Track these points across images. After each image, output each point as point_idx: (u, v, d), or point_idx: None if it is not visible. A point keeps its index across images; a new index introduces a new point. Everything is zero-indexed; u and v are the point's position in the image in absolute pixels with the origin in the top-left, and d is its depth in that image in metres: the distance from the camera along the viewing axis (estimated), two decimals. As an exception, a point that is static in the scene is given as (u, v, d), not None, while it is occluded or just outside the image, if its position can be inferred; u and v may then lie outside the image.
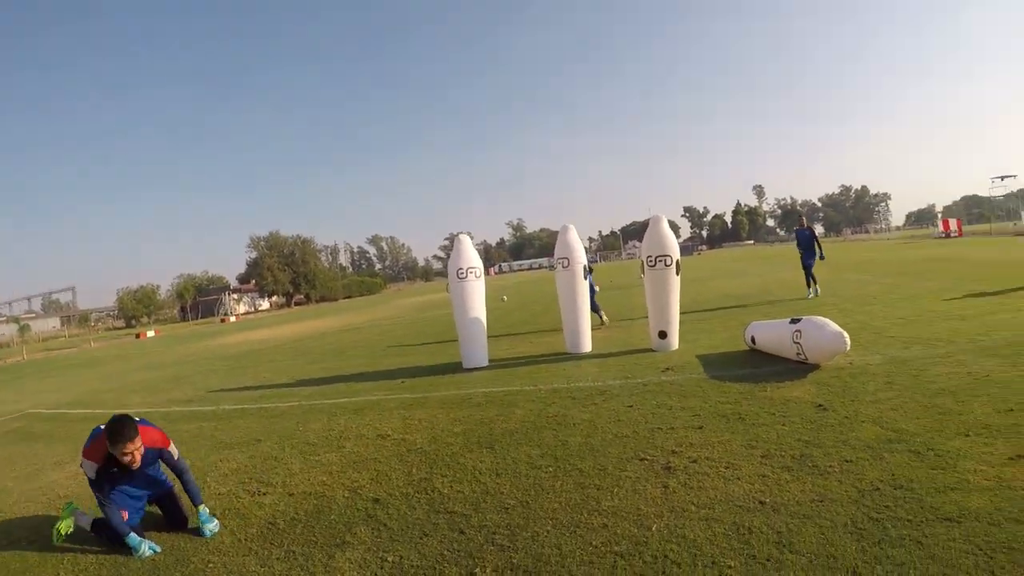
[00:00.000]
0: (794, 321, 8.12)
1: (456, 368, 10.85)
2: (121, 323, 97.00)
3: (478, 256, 11.13)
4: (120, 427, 4.60)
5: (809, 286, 16.44)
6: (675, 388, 7.44)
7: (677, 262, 10.28)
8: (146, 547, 4.67)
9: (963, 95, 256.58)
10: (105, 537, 4.91)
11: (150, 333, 60.29)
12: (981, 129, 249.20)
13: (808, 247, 16.88)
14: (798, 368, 7.80)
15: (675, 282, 10.32)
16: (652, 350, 10.42)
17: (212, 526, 4.85)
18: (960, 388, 6.20)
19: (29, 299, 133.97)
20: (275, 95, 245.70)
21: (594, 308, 15.08)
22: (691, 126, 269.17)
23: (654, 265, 10.29)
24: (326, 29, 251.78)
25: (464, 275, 10.74)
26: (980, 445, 4.61)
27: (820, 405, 6.07)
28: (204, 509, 4.94)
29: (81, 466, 4.86)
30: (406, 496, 4.91)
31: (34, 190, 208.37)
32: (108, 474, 4.78)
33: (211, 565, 4.29)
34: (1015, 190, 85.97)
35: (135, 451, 4.67)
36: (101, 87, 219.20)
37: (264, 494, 5.53)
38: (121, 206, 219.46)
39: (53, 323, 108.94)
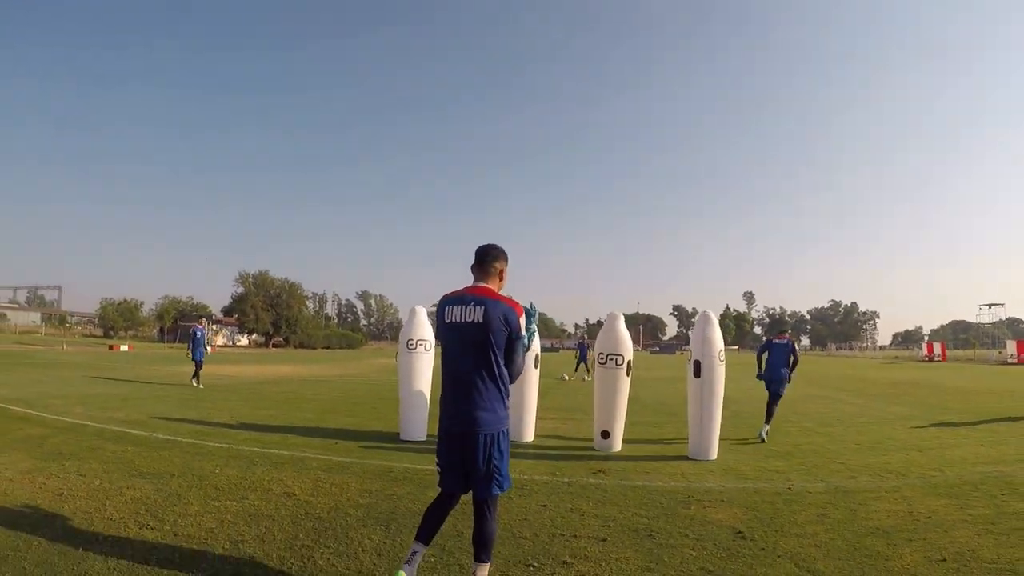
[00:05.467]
0: None
1: (393, 438, 10.63)
2: (100, 332, 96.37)
3: (431, 329, 10.97)
4: None
5: (768, 419, 11.87)
6: (597, 493, 7.19)
7: (629, 362, 10.14)
8: None
9: (961, 221, 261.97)
10: None
11: (123, 347, 60.16)
12: (973, 255, 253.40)
13: (780, 366, 12.11)
14: (734, 488, 7.59)
15: (624, 382, 10.18)
16: (593, 449, 10.22)
17: None
18: (896, 528, 5.99)
19: (15, 290, 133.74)
20: (294, 131, 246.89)
21: None
22: (689, 227, 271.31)
23: (605, 363, 10.15)
24: (343, 87, 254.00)
25: (414, 346, 10.61)
26: (899, 600, 4.32)
27: (740, 532, 5.78)
28: None
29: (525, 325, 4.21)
30: (281, 560, 4.70)
31: (43, 188, 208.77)
32: None
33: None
34: (1003, 318, 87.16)
35: None
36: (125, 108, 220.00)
37: (151, 528, 5.37)
38: (122, 218, 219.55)
39: (34, 318, 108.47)
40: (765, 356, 12.64)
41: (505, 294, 4.21)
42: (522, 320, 4.06)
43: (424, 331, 10.78)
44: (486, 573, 4.13)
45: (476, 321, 3.94)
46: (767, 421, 11.88)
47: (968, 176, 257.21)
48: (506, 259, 4.28)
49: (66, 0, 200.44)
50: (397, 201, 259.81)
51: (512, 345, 4.03)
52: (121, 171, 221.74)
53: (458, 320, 3.99)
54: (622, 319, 10.44)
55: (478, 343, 3.94)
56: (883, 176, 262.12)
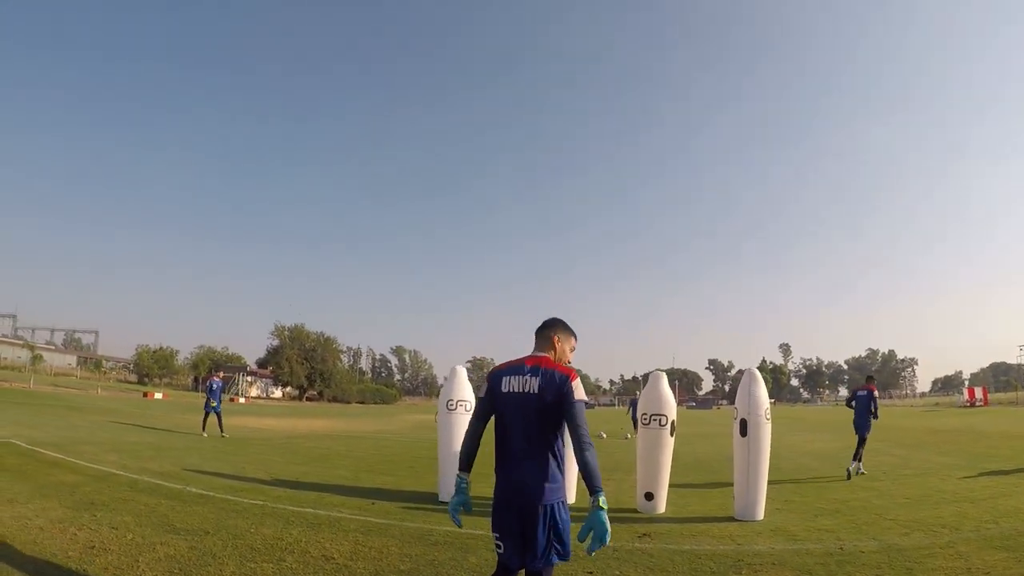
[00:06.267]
0: None
1: (432, 499, 10.36)
2: (134, 378, 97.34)
3: (471, 389, 10.77)
4: None
5: (857, 459, 14.04)
6: (644, 558, 6.90)
7: (672, 422, 9.91)
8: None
9: (995, 259, 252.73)
10: None
11: (158, 395, 60.65)
12: (1011, 295, 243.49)
13: (863, 413, 14.70)
14: (785, 549, 7.30)
15: (668, 443, 9.93)
16: (636, 511, 9.88)
17: None
18: None
19: (52, 331, 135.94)
20: (330, 189, 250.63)
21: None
22: (724, 279, 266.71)
23: (648, 423, 9.93)
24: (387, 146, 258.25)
25: (453, 407, 10.40)
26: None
27: None
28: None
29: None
30: (323, 632, 4.56)
31: (85, 234, 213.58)
32: None
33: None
34: None
35: None
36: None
37: None
38: (160, 266, 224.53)
39: (70, 360, 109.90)
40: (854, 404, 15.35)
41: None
42: (575, 384, 3.87)
43: (465, 392, 10.59)
44: None
45: (532, 391, 3.84)
46: (855, 459, 14.00)
47: (997, 216, 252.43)
48: (564, 328, 4.25)
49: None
50: (432, 257, 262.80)
51: (572, 411, 3.81)
52: (160, 219, 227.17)
53: (515, 390, 3.90)
54: (665, 379, 10.27)
55: (535, 413, 3.83)
56: (913, 220, 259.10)
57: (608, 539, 3.48)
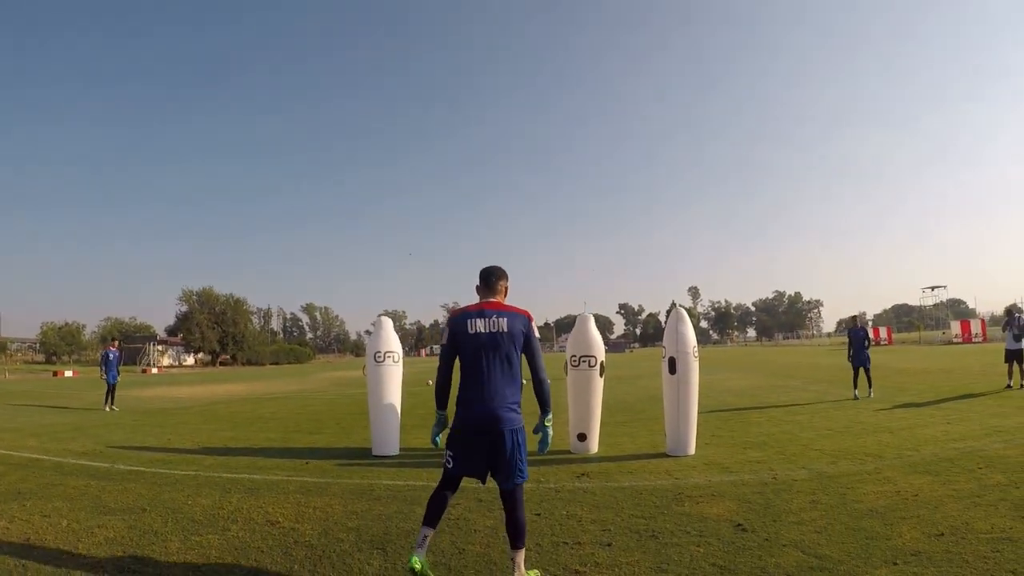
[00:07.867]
0: None
1: (365, 454, 10.28)
2: (41, 358, 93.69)
3: (398, 340, 10.76)
4: None
5: (869, 385, 16.75)
6: (588, 496, 7.09)
7: (602, 363, 10.06)
8: None
9: (897, 207, 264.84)
10: None
11: (68, 373, 58.67)
12: (912, 240, 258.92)
13: (861, 346, 17.07)
14: (721, 481, 7.60)
15: (598, 384, 10.10)
16: (569, 451, 10.07)
17: None
18: (888, 509, 6.11)
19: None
20: (224, 145, 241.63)
21: None
22: (632, 223, 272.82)
23: (578, 365, 10.07)
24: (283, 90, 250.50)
25: (381, 359, 10.31)
26: (909, 576, 4.39)
27: (739, 525, 5.77)
28: None
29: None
30: (282, 598, 4.50)
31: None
32: None
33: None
34: (944, 300, 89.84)
35: None
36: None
37: (133, 572, 4.99)
38: (58, 237, 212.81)
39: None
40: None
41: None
42: (533, 324, 4.73)
43: (392, 343, 10.51)
44: (522, 558, 4.50)
45: (500, 331, 4.49)
46: (869, 385, 16.80)
47: (899, 162, 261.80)
48: (507, 277, 4.86)
49: None
50: (337, 209, 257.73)
51: (532, 346, 4.67)
52: (49, 190, 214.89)
53: (483, 331, 4.49)
54: (592, 320, 10.36)
55: (502, 350, 4.50)
56: (815, 165, 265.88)
57: (549, 445, 4.71)
